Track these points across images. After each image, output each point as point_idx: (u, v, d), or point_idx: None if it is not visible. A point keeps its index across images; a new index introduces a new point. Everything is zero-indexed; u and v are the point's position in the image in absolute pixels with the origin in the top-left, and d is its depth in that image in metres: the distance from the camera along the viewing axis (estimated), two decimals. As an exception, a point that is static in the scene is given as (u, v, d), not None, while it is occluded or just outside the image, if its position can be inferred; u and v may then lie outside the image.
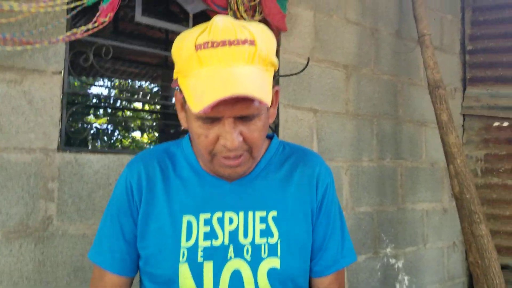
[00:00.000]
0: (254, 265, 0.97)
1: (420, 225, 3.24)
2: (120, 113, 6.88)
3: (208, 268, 0.96)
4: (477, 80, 3.63)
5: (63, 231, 1.67)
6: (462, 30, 3.72)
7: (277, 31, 2.39)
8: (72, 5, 1.63)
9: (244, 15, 2.24)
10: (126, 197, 1.05)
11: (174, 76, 0.94)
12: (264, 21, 2.31)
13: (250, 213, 1.01)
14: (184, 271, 0.96)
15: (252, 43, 0.88)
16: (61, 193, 1.69)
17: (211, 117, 0.89)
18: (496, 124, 3.53)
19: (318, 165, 1.10)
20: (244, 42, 0.87)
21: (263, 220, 1.00)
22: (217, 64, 0.87)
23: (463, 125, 3.67)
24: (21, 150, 1.61)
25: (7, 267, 1.55)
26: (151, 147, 1.14)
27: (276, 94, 1.02)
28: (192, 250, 0.97)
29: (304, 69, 2.44)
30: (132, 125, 6.67)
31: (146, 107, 6.46)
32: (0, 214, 1.56)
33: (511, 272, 3.40)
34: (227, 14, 2.20)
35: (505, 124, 3.48)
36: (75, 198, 1.71)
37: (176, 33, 2.20)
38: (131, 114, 7.23)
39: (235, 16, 2.22)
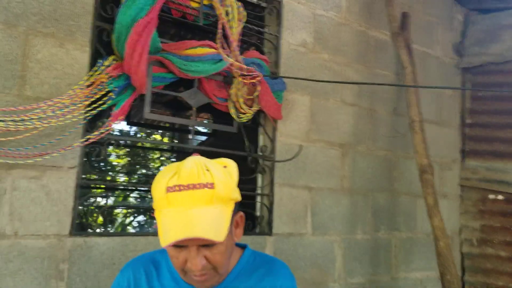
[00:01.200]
0: None
1: (414, 294, 3.36)
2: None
3: None
4: (475, 153, 3.79)
5: (70, 307, 1.91)
6: (463, 104, 3.91)
7: (274, 119, 2.64)
8: (84, 116, 1.91)
9: (243, 106, 2.50)
10: None
11: (154, 208, 1.18)
12: (261, 111, 2.57)
13: None
14: None
15: (212, 186, 1.11)
16: (71, 273, 1.93)
17: (179, 246, 1.12)
18: (491, 196, 3.66)
19: (282, 277, 1.30)
20: (204, 186, 1.11)
21: None
22: (181, 205, 1.10)
23: (461, 195, 3.81)
24: (37, 237, 1.88)
25: None
26: (140, 254, 1.38)
27: (241, 218, 1.25)
28: None
29: (295, 156, 2.67)
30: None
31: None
32: (16, 293, 1.81)
33: None
34: (228, 105, 2.46)
35: (500, 197, 3.61)
36: (83, 277, 1.96)
37: (183, 125, 2.47)
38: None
39: (235, 108, 2.48)
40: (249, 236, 2.60)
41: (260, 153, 2.69)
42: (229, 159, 1.26)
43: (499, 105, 3.71)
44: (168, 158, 7.53)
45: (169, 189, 1.11)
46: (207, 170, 1.14)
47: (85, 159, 2.08)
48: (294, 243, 2.74)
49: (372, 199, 3.18)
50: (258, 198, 2.71)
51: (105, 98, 1.96)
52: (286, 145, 2.75)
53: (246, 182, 2.78)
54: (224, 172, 1.18)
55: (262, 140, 2.76)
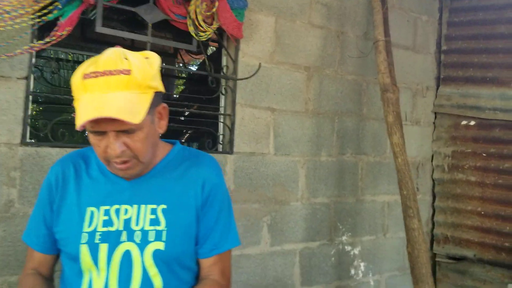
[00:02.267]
0: (142, 247, 1.25)
1: (380, 216, 3.46)
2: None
3: (103, 248, 1.25)
4: (450, 79, 3.78)
5: (23, 212, 2.00)
6: (439, 31, 3.85)
7: (234, 38, 2.63)
8: (33, 22, 1.91)
9: (202, 23, 2.48)
10: (47, 192, 1.34)
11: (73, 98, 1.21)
12: (221, 29, 2.55)
13: (143, 206, 1.28)
14: (84, 250, 1.25)
15: (128, 72, 1.15)
16: (23, 181, 2.01)
17: (98, 131, 1.17)
18: (463, 122, 3.69)
19: (208, 167, 1.36)
20: (121, 72, 1.14)
21: (153, 211, 1.28)
22: (97, 91, 1.14)
23: (434, 123, 3.84)
24: (-12, 144, 1.94)
25: (-25, 241, 1.89)
26: (72, 151, 1.44)
27: (164, 109, 1.29)
28: (92, 234, 1.26)
29: (255, 73, 2.67)
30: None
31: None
32: (-30, 197, 1.89)
33: (468, 264, 3.61)
34: (187, 22, 2.44)
35: (472, 123, 3.64)
36: (36, 185, 2.03)
37: (141, 42, 2.46)
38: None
39: (194, 25, 2.46)
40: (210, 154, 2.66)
41: (222, 73, 2.70)
42: (154, 53, 1.28)
43: (475, 30, 3.65)
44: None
45: (86, 76, 1.15)
46: (125, 58, 1.17)
47: (37, 73, 2.10)
48: (256, 162, 2.80)
49: (339, 122, 3.21)
50: (221, 119, 2.75)
51: (50, 7, 1.95)
52: (249, 66, 2.75)
53: (208, 102, 2.81)
54: (143, 61, 1.21)
55: (224, 60, 2.76)
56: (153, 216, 1.26)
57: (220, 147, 2.73)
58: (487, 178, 3.51)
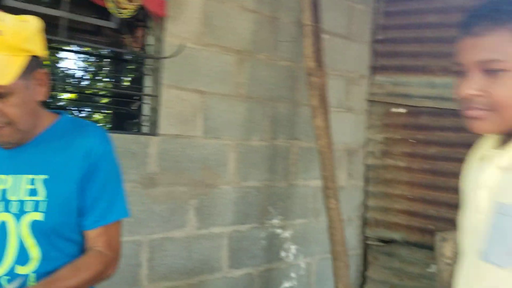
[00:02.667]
0: (18, 217, 1.21)
1: (312, 200, 3.52)
2: None
3: None
4: (383, 68, 3.87)
5: None
6: (374, 20, 3.92)
7: (158, 17, 2.58)
8: None
9: (122, 0, 2.42)
10: None
11: None
12: (143, 7, 2.50)
13: (22, 176, 1.24)
14: None
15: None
16: None
17: None
18: (395, 110, 3.79)
19: (93, 137, 1.32)
20: None
21: (32, 182, 1.24)
22: None
23: (367, 110, 3.92)
24: None
25: None
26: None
27: (44, 75, 1.24)
28: None
29: (177, 53, 2.64)
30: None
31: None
32: None
33: (396, 246, 3.74)
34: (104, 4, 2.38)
35: (403, 110, 3.74)
36: None
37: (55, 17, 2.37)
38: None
39: (115, 3, 2.40)
40: (132, 135, 2.62)
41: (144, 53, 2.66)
42: (35, 17, 1.24)
43: (408, 20, 3.75)
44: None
45: None
46: (1, 20, 1.14)
47: None
48: (183, 144, 2.78)
49: (272, 107, 3.23)
50: (146, 100, 2.70)
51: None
52: (176, 46, 2.71)
53: (133, 82, 2.76)
54: (18, 24, 1.17)
55: (150, 40, 2.71)
56: (32, 187, 1.23)
57: (144, 129, 2.69)
58: (414, 163, 3.63)
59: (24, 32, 1.16)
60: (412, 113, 3.68)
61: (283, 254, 3.37)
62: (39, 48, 1.20)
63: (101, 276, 1.31)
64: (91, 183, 1.28)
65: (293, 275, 3.44)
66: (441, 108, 3.50)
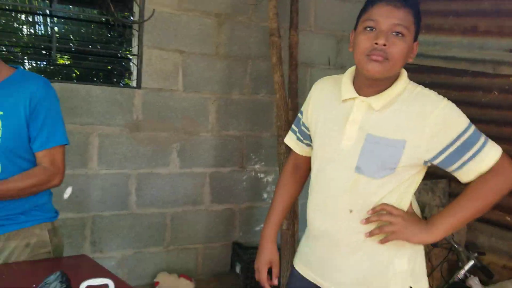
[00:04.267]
0: None
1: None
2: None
3: None
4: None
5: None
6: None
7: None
8: None
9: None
10: None
11: None
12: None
13: None
14: None
15: None
16: None
17: None
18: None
19: (36, 84, 1.84)
20: None
21: None
22: None
23: (358, 68, 4.16)
24: None
25: None
26: None
27: None
28: None
29: (148, 19, 3.11)
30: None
31: None
32: None
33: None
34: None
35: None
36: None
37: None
38: None
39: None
40: (118, 88, 3.19)
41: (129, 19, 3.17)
42: None
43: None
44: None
45: None
46: None
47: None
48: (164, 97, 3.30)
49: (252, 65, 3.62)
50: (132, 59, 3.24)
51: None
52: (156, 12, 3.18)
53: (120, 44, 3.30)
54: None
55: (134, 8, 3.22)
56: None
57: (130, 84, 3.24)
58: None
59: None
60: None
61: (265, 195, 3.84)
62: None
63: (45, 184, 1.82)
64: (34, 117, 1.78)
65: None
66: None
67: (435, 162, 1.35)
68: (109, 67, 3.61)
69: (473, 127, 1.32)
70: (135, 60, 3.23)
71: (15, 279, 1.56)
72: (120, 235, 3.27)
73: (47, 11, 3.05)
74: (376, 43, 1.27)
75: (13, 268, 1.67)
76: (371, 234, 1.36)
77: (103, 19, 3.53)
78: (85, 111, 3.07)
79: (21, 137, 1.78)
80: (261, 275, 1.65)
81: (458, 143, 1.30)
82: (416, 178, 1.41)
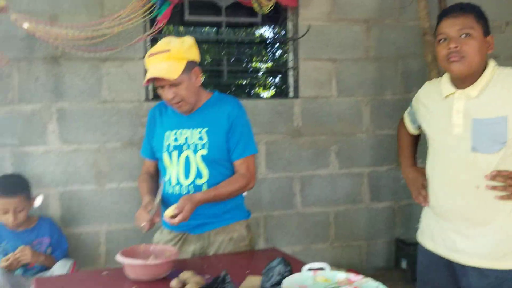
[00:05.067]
0: (195, 152, 2.16)
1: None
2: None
3: (174, 154, 2.20)
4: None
5: (150, 143, 3.16)
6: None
7: (291, 7, 3.38)
8: (142, 20, 3.00)
9: (264, 1, 3.29)
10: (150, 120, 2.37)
11: None
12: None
13: (194, 129, 2.20)
14: (165, 155, 2.25)
15: (168, 51, 2.06)
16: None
17: (158, 85, 2.14)
18: None
19: (231, 105, 2.22)
20: (164, 51, 2.07)
21: (200, 132, 2.18)
22: (152, 63, 2.10)
23: (516, 56, 3.96)
24: (126, 101, 3.13)
25: None
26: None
27: (197, 71, 2.16)
28: (168, 146, 2.24)
29: (304, 35, 3.38)
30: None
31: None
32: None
33: None
34: (251, 1, 3.27)
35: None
36: (157, 126, 3.17)
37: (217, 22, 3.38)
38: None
39: (257, 2, 3.28)
40: (278, 100, 3.52)
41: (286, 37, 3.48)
42: (190, 37, 2.15)
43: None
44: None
45: (148, 56, 2.12)
46: (169, 42, 2.09)
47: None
48: (320, 103, 3.54)
49: (403, 64, 3.69)
50: (290, 72, 3.55)
51: (152, 8, 3.01)
52: (307, 27, 3.46)
53: (279, 60, 3.64)
54: (179, 43, 2.09)
55: (288, 25, 3.53)
56: (200, 135, 2.12)
57: (289, 95, 3.55)
58: None
59: (182, 48, 2.04)
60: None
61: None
62: (193, 55, 2.09)
63: (245, 188, 2.14)
64: (232, 132, 2.12)
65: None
66: None
67: None
68: (269, 82, 3.98)
69: None
70: (291, 72, 3.53)
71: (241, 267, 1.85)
72: (289, 233, 3.57)
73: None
74: (449, 48, 1.56)
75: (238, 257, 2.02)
76: (501, 197, 1.55)
77: (261, 39, 3.92)
78: (252, 123, 3.42)
79: (222, 148, 2.11)
80: (422, 195, 1.87)
81: None
82: None
